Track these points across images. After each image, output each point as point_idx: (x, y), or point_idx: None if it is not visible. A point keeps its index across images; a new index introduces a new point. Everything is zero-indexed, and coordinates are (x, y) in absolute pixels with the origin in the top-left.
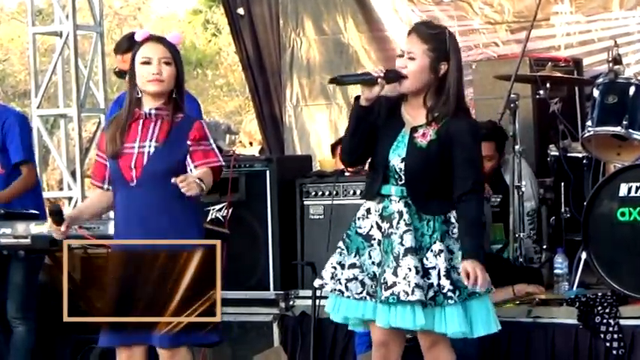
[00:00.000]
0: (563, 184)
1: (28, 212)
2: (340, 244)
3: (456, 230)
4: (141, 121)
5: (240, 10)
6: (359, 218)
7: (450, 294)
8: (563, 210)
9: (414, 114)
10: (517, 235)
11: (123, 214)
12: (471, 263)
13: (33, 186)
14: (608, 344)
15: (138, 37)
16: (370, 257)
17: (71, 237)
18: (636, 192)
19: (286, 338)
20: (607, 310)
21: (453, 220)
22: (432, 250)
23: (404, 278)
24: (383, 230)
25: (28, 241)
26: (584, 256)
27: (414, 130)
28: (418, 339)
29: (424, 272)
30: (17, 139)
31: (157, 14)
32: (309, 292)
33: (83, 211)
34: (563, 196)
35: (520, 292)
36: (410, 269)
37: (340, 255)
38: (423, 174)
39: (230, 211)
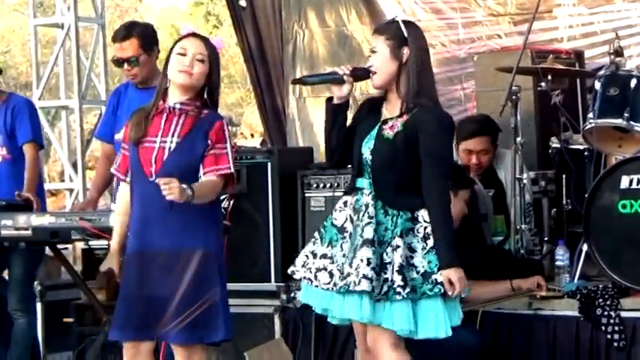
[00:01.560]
0: (564, 176)
1: (30, 204)
2: (316, 233)
3: (422, 229)
4: (165, 115)
5: (242, 2)
6: (335, 210)
7: (399, 289)
8: (564, 202)
9: (391, 108)
10: (518, 227)
11: (140, 210)
12: (451, 272)
13: (38, 167)
14: (609, 336)
15: (183, 32)
16: (342, 249)
17: (73, 229)
18: (637, 184)
19: (287, 330)
20: (608, 302)
21: (421, 219)
22: (391, 245)
23: (355, 269)
24: (354, 223)
25: (29, 232)
26: (585, 248)
27: (384, 122)
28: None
29: (382, 267)
30: (27, 121)
31: (158, 6)
32: None
33: (126, 226)
34: (564, 188)
35: (518, 288)
36: (362, 260)
37: (314, 244)
38: (389, 166)
39: (231, 203)
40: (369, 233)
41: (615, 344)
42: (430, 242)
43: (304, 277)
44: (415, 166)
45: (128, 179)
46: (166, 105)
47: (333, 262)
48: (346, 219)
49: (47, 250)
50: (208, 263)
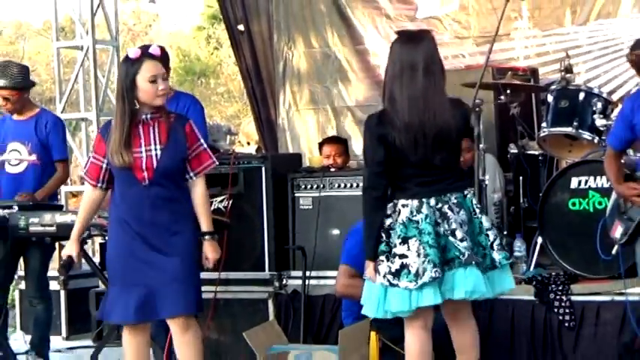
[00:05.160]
0: (521, 177)
1: (54, 203)
2: None
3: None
4: (140, 127)
5: (240, 27)
6: None
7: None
8: (521, 200)
9: None
10: None
11: (133, 211)
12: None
13: (64, 181)
14: (560, 317)
15: (132, 55)
16: None
17: (92, 225)
18: (585, 184)
19: (280, 313)
20: (560, 288)
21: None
22: None
23: None
24: None
25: (53, 229)
26: (539, 240)
27: None
28: None
29: None
30: (60, 140)
31: (166, 30)
32: (299, 273)
33: (86, 222)
34: (521, 188)
35: None
36: None
37: None
38: None
39: (230, 202)
40: None
41: (566, 324)
42: None
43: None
44: None
45: (100, 185)
46: (139, 118)
47: None
48: None
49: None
50: (189, 247)
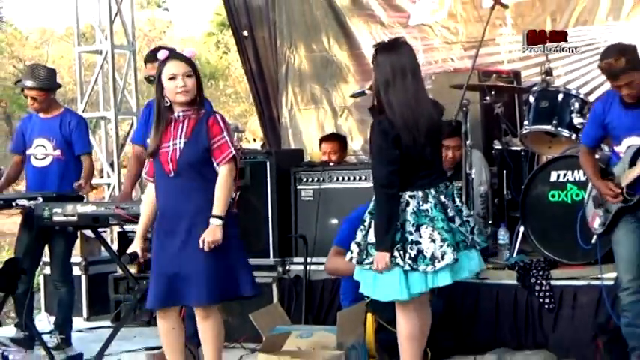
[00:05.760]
0: (505, 171)
1: (76, 194)
2: None
3: None
4: (172, 124)
5: (245, 33)
6: None
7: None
8: (505, 193)
9: None
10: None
11: (162, 201)
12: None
13: (93, 170)
14: (541, 300)
15: (160, 57)
16: None
17: (111, 215)
18: (564, 178)
19: (283, 296)
20: (540, 273)
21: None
22: None
23: None
24: None
25: (75, 218)
26: (522, 229)
27: None
28: None
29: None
30: (83, 136)
31: (178, 36)
32: (301, 259)
33: (150, 219)
34: (505, 181)
35: None
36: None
37: None
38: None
39: (238, 194)
40: (365, 215)
41: (546, 306)
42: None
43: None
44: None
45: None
46: (173, 116)
47: None
48: None
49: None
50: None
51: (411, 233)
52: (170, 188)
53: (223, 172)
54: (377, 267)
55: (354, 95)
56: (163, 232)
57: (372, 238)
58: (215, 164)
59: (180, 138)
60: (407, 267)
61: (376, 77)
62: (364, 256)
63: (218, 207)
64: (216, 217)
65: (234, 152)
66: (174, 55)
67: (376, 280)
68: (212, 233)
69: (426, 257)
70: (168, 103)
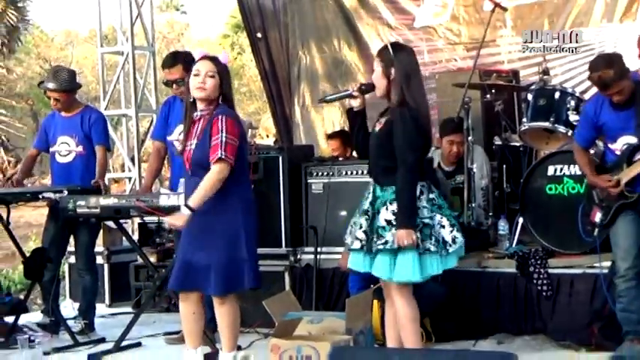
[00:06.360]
0: (505, 166)
1: (99, 187)
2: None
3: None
4: (194, 123)
5: (259, 34)
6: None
7: (379, 245)
8: (505, 186)
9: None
10: (470, 205)
11: (186, 194)
12: (401, 232)
13: (106, 162)
14: (539, 288)
15: (197, 56)
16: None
17: (132, 207)
18: (561, 172)
19: (295, 284)
20: (539, 262)
21: None
22: (379, 212)
23: (352, 232)
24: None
25: (98, 210)
26: (521, 220)
27: (377, 120)
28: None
29: (372, 230)
30: (100, 129)
31: (196, 38)
32: (311, 249)
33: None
34: (505, 175)
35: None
36: (354, 224)
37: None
38: (374, 155)
39: (252, 187)
40: (365, 205)
41: (544, 294)
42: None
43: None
44: (393, 153)
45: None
46: (194, 115)
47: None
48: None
49: (111, 224)
50: (234, 229)
51: (425, 219)
52: (189, 185)
53: (213, 170)
54: (402, 242)
55: (327, 100)
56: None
57: (382, 222)
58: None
59: (194, 138)
60: (422, 250)
61: (398, 71)
62: (375, 239)
63: (195, 198)
64: (188, 206)
65: (223, 155)
66: (207, 56)
67: (393, 262)
68: (176, 220)
69: (439, 242)
70: (192, 99)
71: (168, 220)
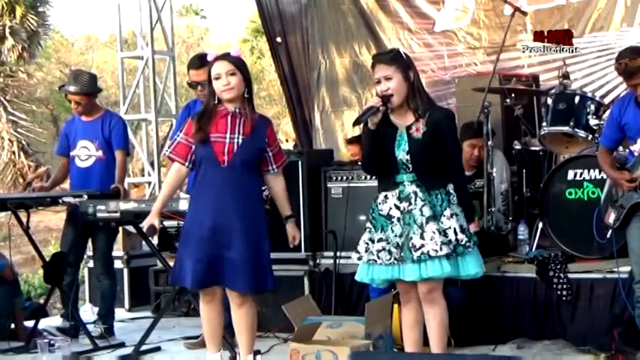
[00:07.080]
0: (524, 170)
1: (118, 192)
2: (368, 224)
3: (454, 199)
4: (229, 117)
5: (279, 39)
6: (379, 203)
7: (467, 244)
8: (524, 190)
9: (401, 117)
10: (489, 210)
11: (212, 189)
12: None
13: (125, 167)
14: (559, 292)
15: (209, 59)
16: (393, 231)
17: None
18: (580, 176)
19: (314, 288)
20: (558, 267)
21: (451, 190)
22: (444, 215)
23: (431, 239)
24: (402, 209)
25: (117, 215)
26: (540, 225)
27: (408, 128)
28: (418, 287)
29: (444, 233)
30: (121, 135)
31: (215, 42)
32: (331, 253)
33: (168, 198)
34: (524, 179)
35: None
36: (434, 232)
37: (369, 233)
38: (425, 159)
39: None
40: (428, 212)
41: (564, 298)
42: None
43: (369, 260)
44: (441, 153)
45: (187, 164)
46: (229, 110)
47: (388, 243)
48: (391, 208)
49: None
50: (261, 228)
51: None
52: (219, 175)
53: (282, 177)
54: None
55: (360, 122)
56: (205, 214)
57: (454, 225)
58: (274, 167)
59: (239, 134)
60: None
61: (416, 75)
62: (458, 242)
63: (289, 208)
64: (292, 216)
65: (287, 159)
66: (220, 56)
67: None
68: (297, 230)
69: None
70: (217, 101)
71: (297, 236)
